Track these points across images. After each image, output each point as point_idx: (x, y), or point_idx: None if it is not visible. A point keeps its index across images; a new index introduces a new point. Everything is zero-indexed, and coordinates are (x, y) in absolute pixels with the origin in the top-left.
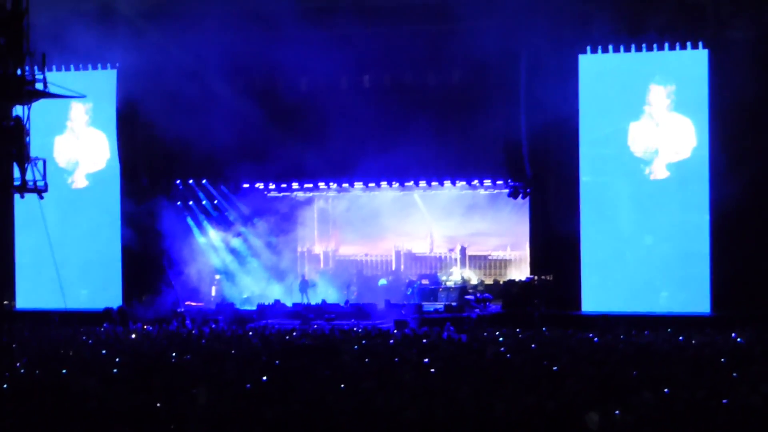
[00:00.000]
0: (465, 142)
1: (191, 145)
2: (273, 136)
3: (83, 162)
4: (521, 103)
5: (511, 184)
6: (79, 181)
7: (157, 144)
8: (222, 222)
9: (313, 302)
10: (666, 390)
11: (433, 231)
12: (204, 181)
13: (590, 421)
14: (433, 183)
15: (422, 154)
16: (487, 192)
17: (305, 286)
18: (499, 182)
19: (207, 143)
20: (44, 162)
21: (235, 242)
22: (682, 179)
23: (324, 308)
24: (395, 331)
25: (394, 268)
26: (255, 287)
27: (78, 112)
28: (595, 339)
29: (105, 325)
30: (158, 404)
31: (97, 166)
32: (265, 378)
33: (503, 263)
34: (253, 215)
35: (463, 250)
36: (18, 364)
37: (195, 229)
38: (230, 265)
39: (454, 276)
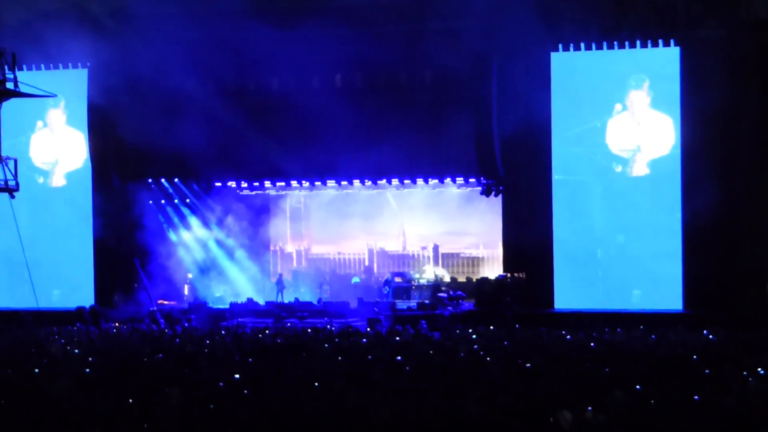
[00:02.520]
0: (437, 141)
1: (163, 144)
2: (245, 135)
3: (61, 161)
4: (493, 102)
5: (484, 182)
6: (57, 180)
7: (129, 143)
8: (194, 221)
9: (286, 301)
10: (638, 388)
11: (405, 229)
12: (176, 180)
13: (563, 420)
14: (406, 181)
15: (395, 153)
16: (459, 190)
17: (281, 285)
18: (471, 180)
19: (179, 142)
20: (15, 161)
21: (208, 241)
22: (655, 178)
23: (297, 307)
24: (368, 330)
25: (367, 266)
26: (227, 286)
27: (54, 111)
28: (568, 337)
29: (77, 324)
30: (131, 404)
31: (74, 165)
32: (237, 377)
33: (476, 261)
34: (225, 214)
35: (436, 248)
36: None
37: (167, 228)
38: (203, 263)
39: (427, 274)
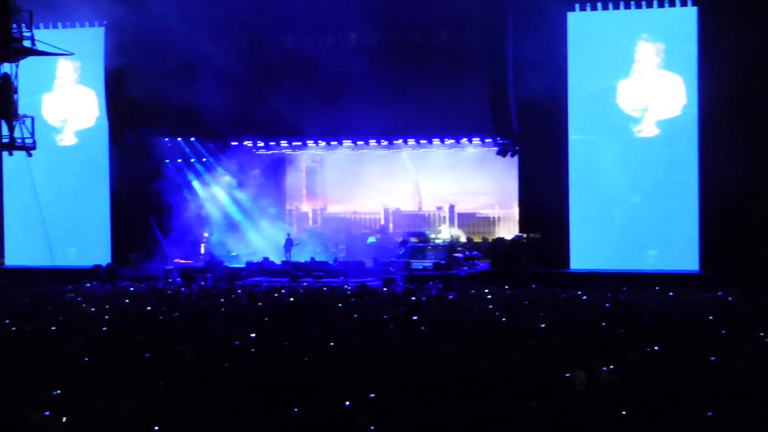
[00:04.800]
0: (453, 100)
1: (179, 102)
2: (261, 93)
3: (72, 119)
4: (509, 61)
5: (500, 142)
6: (68, 139)
7: (145, 101)
8: (210, 180)
9: (299, 260)
10: (653, 348)
11: (421, 189)
12: (192, 139)
13: (577, 380)
14: (422, 141)
15: (410, 113)
16: (475, 150)
17: (290, 245)
18: (487, 140)
19: (195, 100)
20: (32, 119)
21: (224, 200)
22: (670, 137)
23: (313, 266)
24: (384, 289)
25: (382, 225)
26: (243, 245)
27: (66, 69)
28: (583, 297)
29: (94, 282)
30: (146, 361)
31: (86, 123)
32: (253, 335)
33: (492, 221)
34: (241, 173)
35: (451, 208)
36: (7, 321)
37: (183, 187)
38: (219, 222)
39: (443, 234)
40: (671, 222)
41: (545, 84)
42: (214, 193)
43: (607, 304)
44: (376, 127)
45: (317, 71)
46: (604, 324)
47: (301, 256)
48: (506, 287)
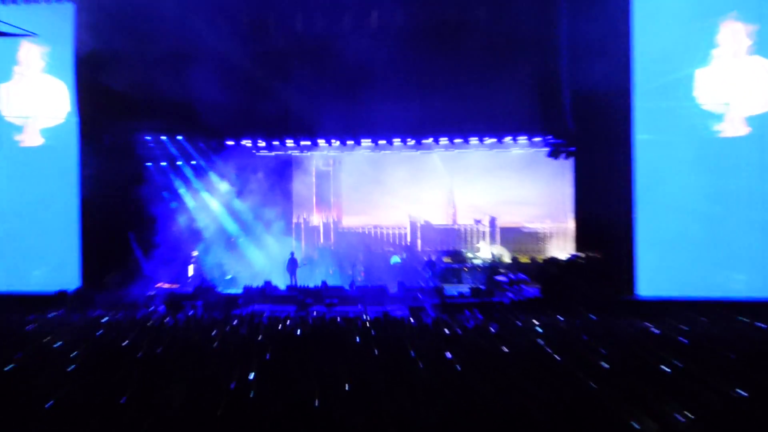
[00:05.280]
0: (495, 92)
1: (165, 95)
2: (263, 84)
3: (37, 115)
4: (563, 46)
5: (551, 141)
6: (32, 138)
7: (123, 93)
8: (202, 187)
9: (310, 284)
10: (739, 393)
11: (456, 198)
12: (180, 138)
13: (647, 429)
14: (457, 140)
15: (443, 107)
16: (521, 151)
17: (294, 266)
18: (536, 140)
19: (183, 93)
20: None
21: (218, 212)
22: (761, 137)
23: (325, 292)
24: (411, 320)
25: (409, 243)
26: (241, 266)
27: (29, 54)
28: (653, 330)
29: (60, 311)
30: (122, 406)
31: (55, 120)
32: (252, 376)
33: (541, 237)
34: (238, 179)
35: (492, 222)
36: None
37: (169, 196)
38: (211, 238)
39: (482, 253)
40: (762, 239)
41: (606, 73)
42: (207, 203)
43: (683, 339)
44: (401, 123)
45: (331, 58)
46: (678, 363)
47: (310, 279)
48: (559, 317)
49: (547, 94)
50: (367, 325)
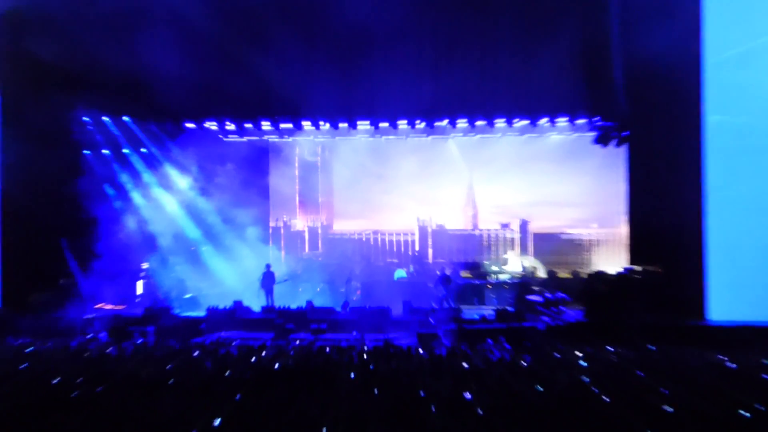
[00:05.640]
0: (529, 63)
1: (107, 67)
2: (233, 55)
3: None
4: (615, 6)
5: (598, 124)
6: None
7: (55, 64)
8: (155, 182)
9: (291, 305)
10: None
11: (477, 197)
12: (127, 119)
13: None
14: (479, 123)
15: (462, 82)
16: (561, 137)
17: (271, 282)
18: (579, 122)
19: (130, 62)
20: None
21: (174, 212)
22: None
23: (311, 314)
24: (420, 351)
25: (417, 252)
26: (204, 281)
27: None
28: (728, 364)
29: None
30: None
31: None
32: (218, 421)
33: (586, 246)
34: (201, 171)
35: (524, 226)
36: None
37: (112, 192)
38: (166, 246)
39: (511, 265)
40: None
41: (669, 41)
42: (161, 202)
43: (766, 375)
44: (409, 101)
45: (321, 18)
46: (761, 406)
47: (292, 299)
48: (609, 348)
49: (594, 66)
50: (365, 356)
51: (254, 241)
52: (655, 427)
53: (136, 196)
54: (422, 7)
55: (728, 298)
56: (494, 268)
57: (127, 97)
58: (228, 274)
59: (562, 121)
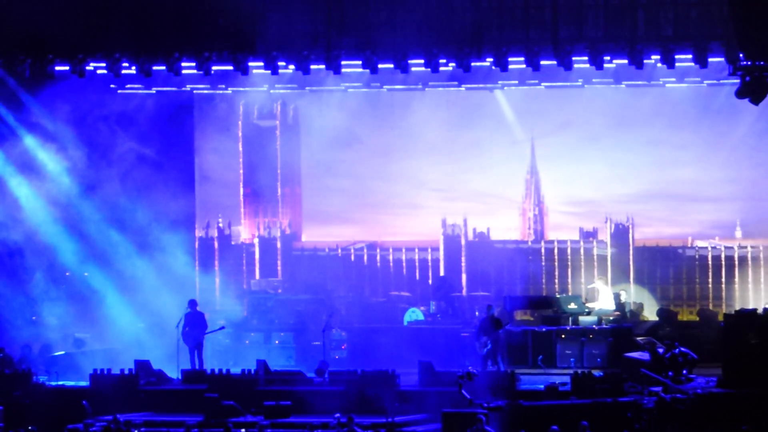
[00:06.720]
0: None
1: None
2: None
3: None
4: None
5: (743, 64)
6: None
7: None
8: (2, 159)
9: (232, 369)
10: None
11: (542, 186)
12: None
13: None
14: (545, 62)
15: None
16: (682, 86)
17: (197, 328)
18: (713, 60)
19: None
20: None
21: (38, 213)
22: None
23: (264, 383)
24: None
25: (442, 277)
26: (88, 329)
27: None
28: None
29: None
30: None
31: None
32: None
33: (722, 265)
34: (82, 144)
35: (621, 235)
36: None
37: None
38: (24, 271)
39: (600, 301)
40: None
41: None
42: (15, 197)
43: None
44: (430, 26)
45: None
46: None
47: (233, 358)
48: None
49: None
50: None
51: (170, 262)
52: None
53: None
54: None
55: None
56: (572, 305)
57: None
58: (126, 317)
59: (685, 59)
